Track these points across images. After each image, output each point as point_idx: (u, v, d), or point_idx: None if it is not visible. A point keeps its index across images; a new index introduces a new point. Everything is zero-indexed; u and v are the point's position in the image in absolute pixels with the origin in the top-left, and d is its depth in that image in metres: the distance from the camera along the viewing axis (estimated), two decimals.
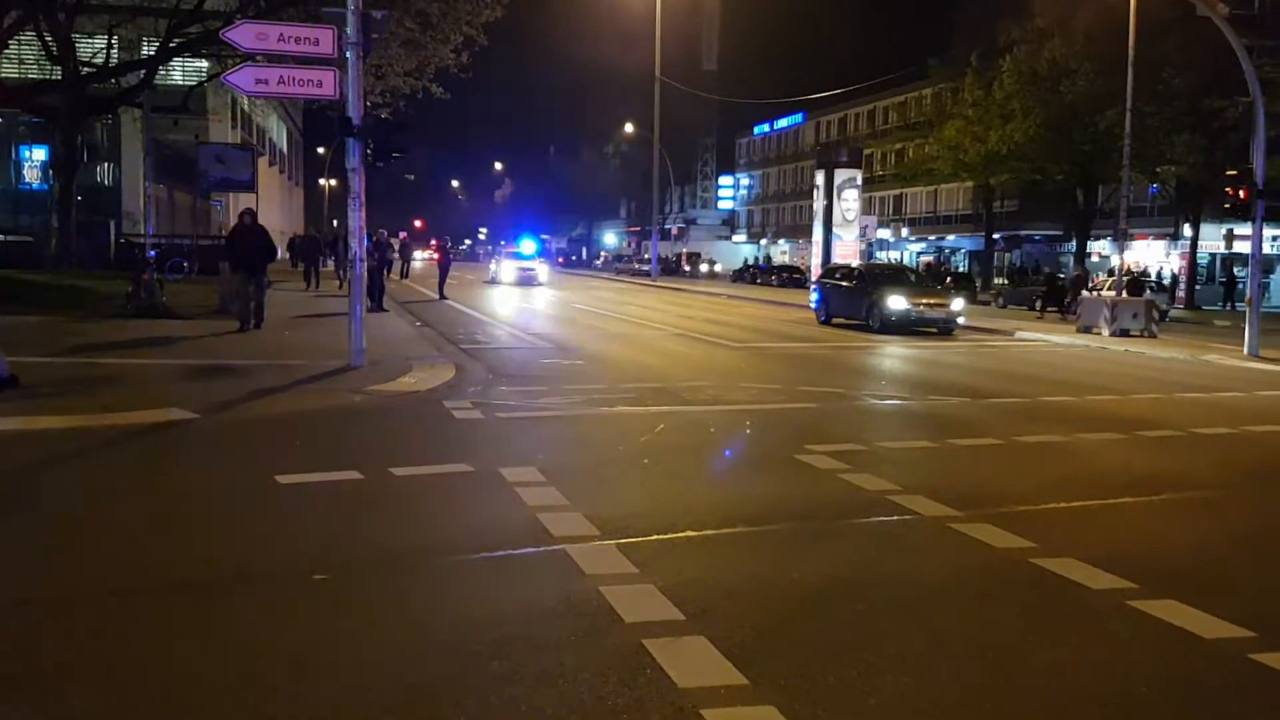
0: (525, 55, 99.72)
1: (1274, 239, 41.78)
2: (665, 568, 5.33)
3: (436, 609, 4.81)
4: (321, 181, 70.56)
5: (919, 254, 63.27)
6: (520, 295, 34.79)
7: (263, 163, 40.94)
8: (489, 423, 9.73)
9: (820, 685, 4.00)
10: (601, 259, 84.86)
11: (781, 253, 76.85)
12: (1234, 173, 21.50)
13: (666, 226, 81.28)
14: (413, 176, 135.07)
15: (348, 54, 12.70)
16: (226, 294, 18.85)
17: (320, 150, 67.14)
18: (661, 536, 5.89)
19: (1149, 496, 7.51)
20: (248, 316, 16.87)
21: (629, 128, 79.92)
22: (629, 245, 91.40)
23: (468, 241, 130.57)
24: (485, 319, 24.07)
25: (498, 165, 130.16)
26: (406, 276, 42.81)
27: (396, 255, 37.01)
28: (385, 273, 26.41)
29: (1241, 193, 20.18)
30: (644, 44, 59.56)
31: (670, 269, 69.89)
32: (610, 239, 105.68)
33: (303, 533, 6.01)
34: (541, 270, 43.56)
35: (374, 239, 22.54)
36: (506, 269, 42.40)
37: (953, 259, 60.26)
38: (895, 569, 5.60)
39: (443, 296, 31.02)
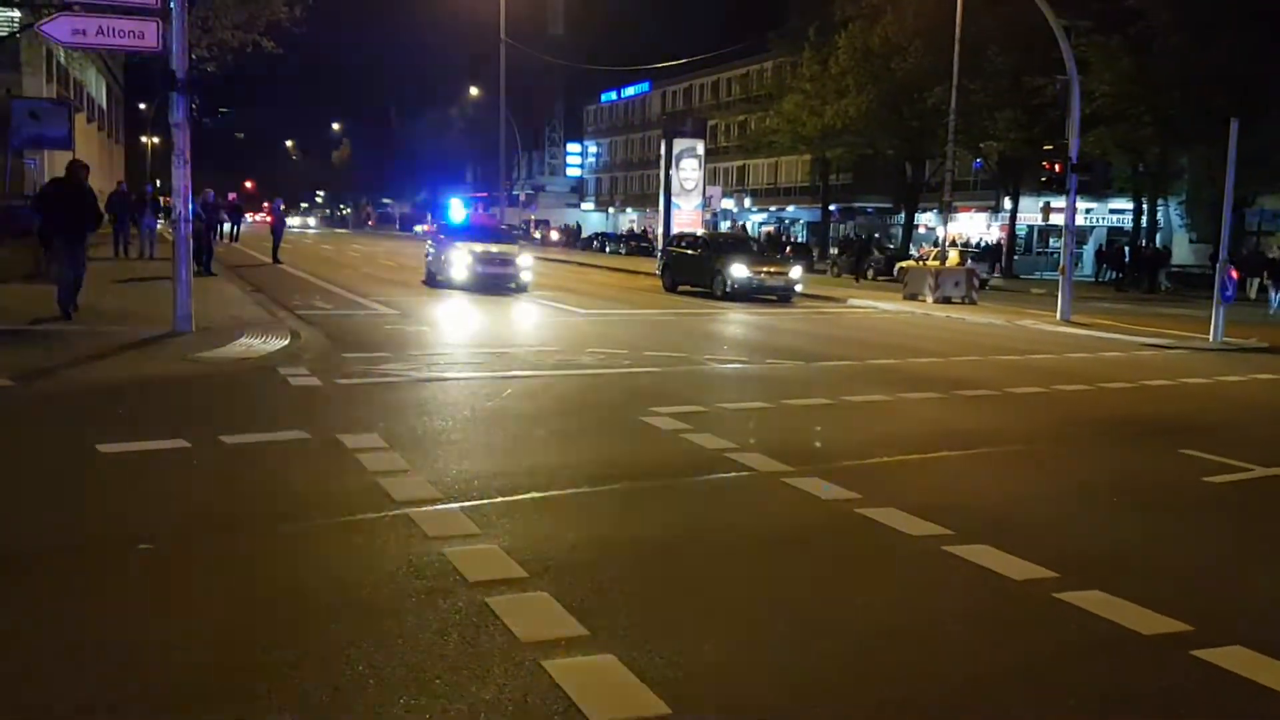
0: (364, 10, 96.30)
1: (1087, 212, 44.61)
2: (509, 528, 5.38)
3: (270, 576, 4.69)
4: (144, 139, 66.51)
5: (760, 224, 64.70)
6: (365, 261, 33.51)
7: (80, 119, 38.13)
8: (327, 389, 9.50)
9: (657, 633, 4.14)
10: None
11: (630, 221, 77.20)
12: (1050, 148, 22.86)
13: (514, 193, 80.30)
14: (243, 135, 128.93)
15: (172, 4, 12.10)
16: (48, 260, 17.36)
17: (143, 106, 63.24)
18: (506, 498, 5.92)
19: (965, 451, 8.00)
20: (70, 300, 13.20)
21: (474, 90, 78.47)
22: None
23: (304, 205, 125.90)
24: (324, 284, 23.34)
25: (335, 125, 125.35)
26: (236, 240, 41.10)
27: (226, 217, 35.35)
28: (214, 235, 25.29)
29: (1057, 167, 21.51)
30: (489, 3, 58.41)
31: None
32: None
33: (127, 503, 5.75)
34: (524, 261, 23.45)
35: (201, 199, 21.50)
36: (458, 261, 22.95)
37: (792, 229, 61.88)
38: (730, 522, 5.82)
39: (276, 260, 29.98)
